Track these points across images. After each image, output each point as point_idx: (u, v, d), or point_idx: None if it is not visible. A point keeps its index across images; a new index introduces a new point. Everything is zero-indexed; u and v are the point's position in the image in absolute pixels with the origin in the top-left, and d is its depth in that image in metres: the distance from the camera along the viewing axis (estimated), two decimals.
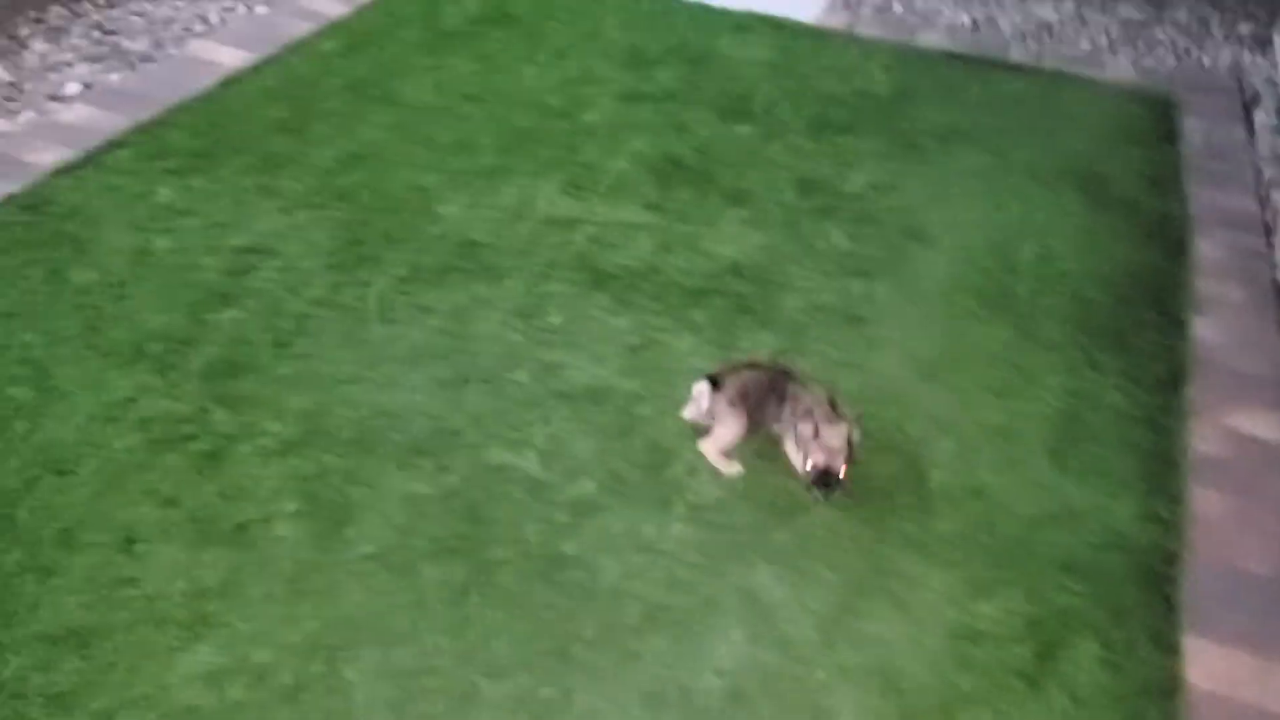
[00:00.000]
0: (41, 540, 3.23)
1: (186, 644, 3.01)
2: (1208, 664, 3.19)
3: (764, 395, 3.66)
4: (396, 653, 3.05)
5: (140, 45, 5.74)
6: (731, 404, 3.65)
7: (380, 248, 4.47)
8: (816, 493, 3.52)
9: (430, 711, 2.92)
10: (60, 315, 4.00)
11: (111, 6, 6.10)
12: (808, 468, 3.51)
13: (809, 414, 3.52)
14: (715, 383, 3.68)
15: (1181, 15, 7.32)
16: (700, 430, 3.74)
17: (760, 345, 4.17)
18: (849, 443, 3.48)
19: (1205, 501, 3.69)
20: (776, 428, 3.67)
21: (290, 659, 3.00)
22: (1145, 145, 5.70)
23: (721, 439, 3.68)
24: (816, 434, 3.47)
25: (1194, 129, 5.87)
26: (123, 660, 2.96)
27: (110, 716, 2.82)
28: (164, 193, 4.64)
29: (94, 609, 3.07)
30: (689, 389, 3.82)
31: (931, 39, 6.63)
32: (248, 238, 4.45)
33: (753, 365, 3.79)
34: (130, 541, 3.26)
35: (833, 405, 3.56)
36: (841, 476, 3.48)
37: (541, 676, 3.03)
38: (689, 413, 3.79)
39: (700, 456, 3.69)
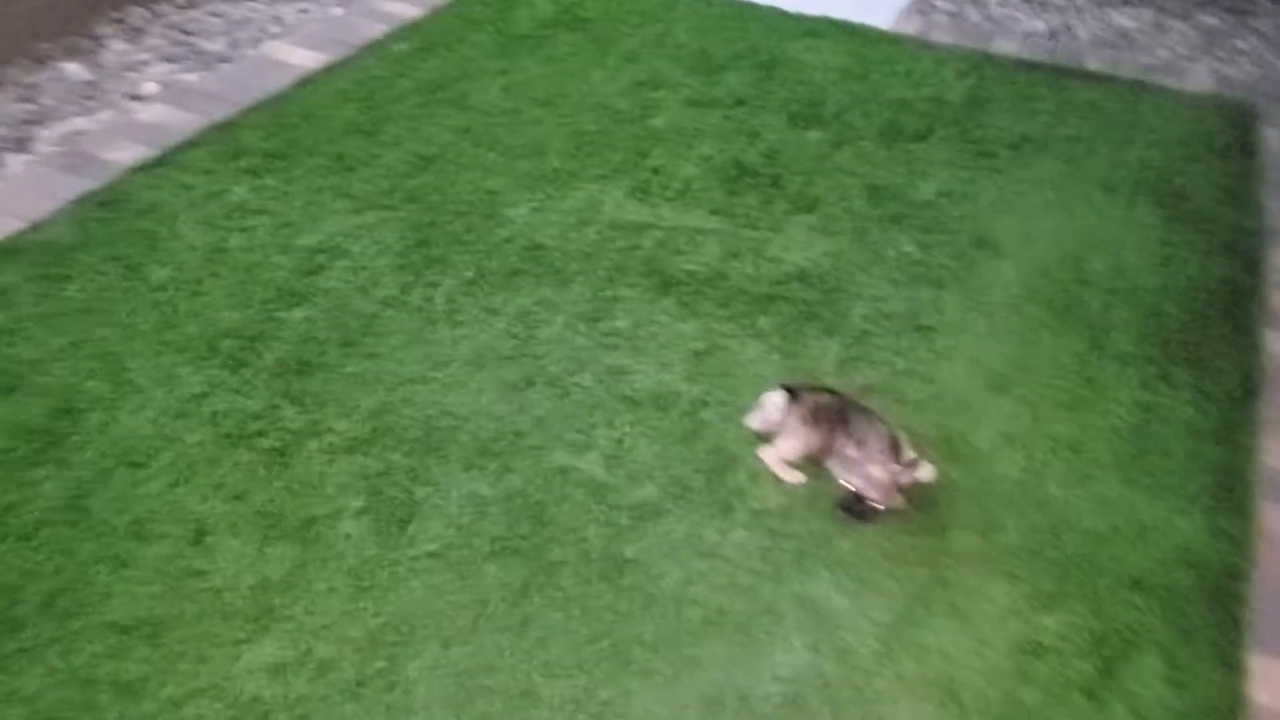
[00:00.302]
0: (114, 531, 3.31)
1: (252, 636, 3.07)
2: (1275, 684, 3.12)
3: (834, 422, 3.65)
4: (456, 651, 3.08)
5: (217, 46, 5.85)
6: (804, 420, 3.65)
7: (448, 249, 4.52)
8: (840, 514, 3.54)
9: (489, 710, 2.94)
10: (136, 311, 4.10)
11: (190, 7, 6.22)
12: (841, 486, 3.56)
13: (861, 443, 3.54)
14: (791, 394, 3.69)
15: (1264, 24, 7.15)
16: (765, 437, 3.74)
17: (826, 353, 4.15)
18: (893, 482, 3.47)
19: (1276, 518, 3.61)
20: (831, 462, 3.66)
21: (353, 654, 3.05)
22: (1223, 156, 5.58)
23: (785, 449, 3.67)
24: (859, 460, 3.52)
25: (1274, 140, 5.73)
26: (191, 650, 3.02)
27: (178, 705, 2.88)
28: (238, 192, 4.73)
29: (164, 599, 3.14)
30: (754, 395, 3.82)
31: (1006, 46, 6.54)
32: (319, 237, 4.52)
33: (829, 390, 3.79)
34: (200, 534, 3.32)
35: (894, 444, 3.53)
36: (876, 508, 3.50)
37: (600, 678, 3.04)
38: (756, 421, 3.78)
39: (762, 463, 3.68)
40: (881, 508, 3.49)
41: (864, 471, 3.50)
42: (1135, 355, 4.23)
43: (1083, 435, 3.88)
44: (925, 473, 3.50)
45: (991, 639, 3.21)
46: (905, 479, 3.48)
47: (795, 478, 3.65)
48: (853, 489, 3.53)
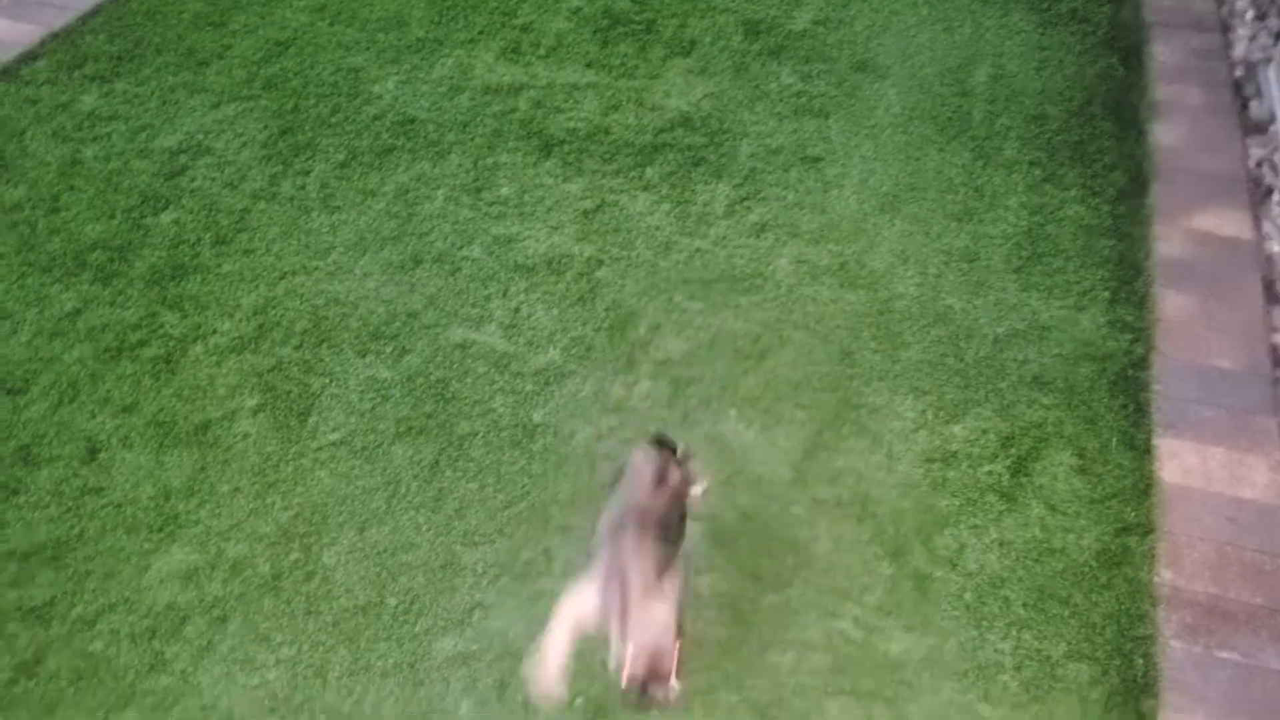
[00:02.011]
0: (1, 460, 3.18)
1: (160, 545, 2.99)
2: (1181, 461, 3.20)
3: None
4: (373, 532, 3.04)
5: None
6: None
7: (316, 134, 4.33)
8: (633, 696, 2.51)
9: (412, 585, 2.92)
10: None
11: None
12: (617, 669, 2.45)
13: (623, 574, 2.45)
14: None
15: None
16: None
17: (716, 196, 4.08)
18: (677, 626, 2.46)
19: (1172, 303, 3.66)
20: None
21: (266, 549, 2.99)
22: None
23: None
24: (625, 616, 2.40)
25: None
26: (97, 568, 2.94)
27: (90, 624, 2.82)
28: (87, 100, 4.48)
29: (63, 521, 3.04)
30: (648, 248, 3.77)
31: None
32: (178, 137, 4.31)
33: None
34: (93, 452, 3.22)
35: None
36: (672, 679, 2.50)
37: (520, 540, 3.03)
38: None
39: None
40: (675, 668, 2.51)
41: (637, 640, 2.43)
42: (1021, 160, 4.23)
43: (976, 245, 3.88)
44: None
45: (902, 453, 3.24)
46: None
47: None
48: (636, 679, 2.46)
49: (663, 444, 2.78)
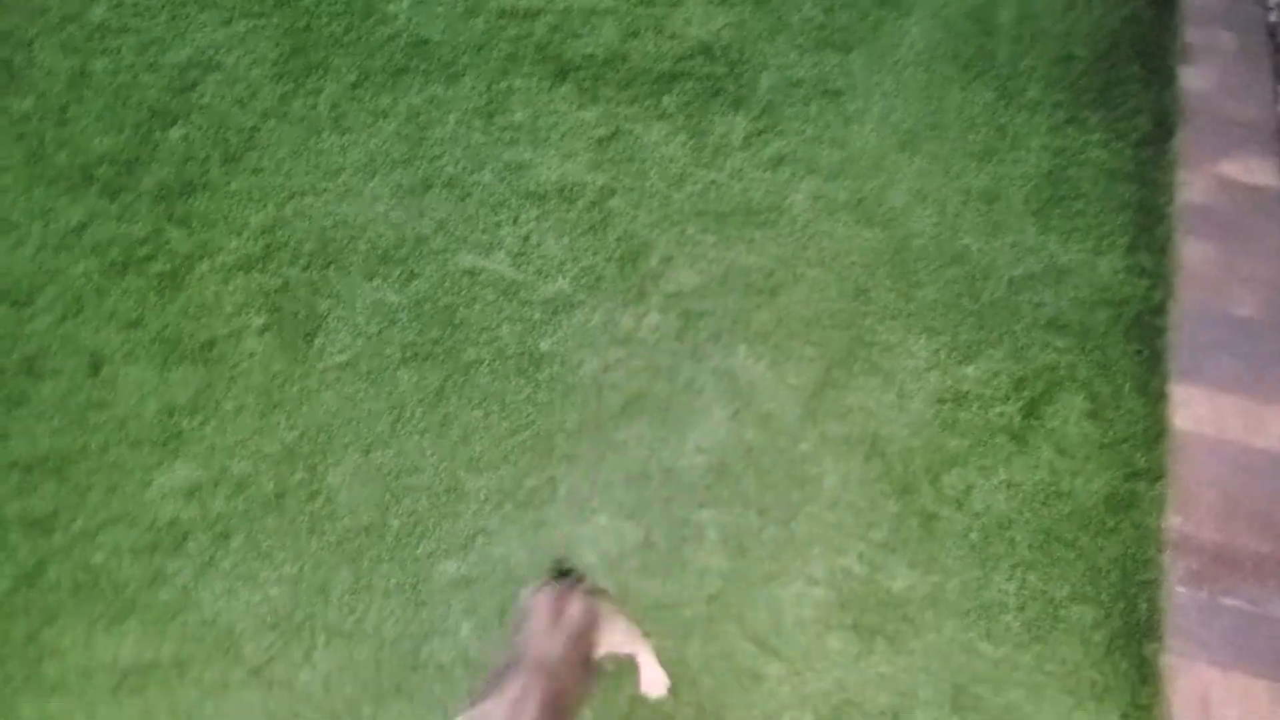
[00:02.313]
0: (4, 371, 3.17)
1: (163, 460, 2.99)
2: (1195, 409, 3.16)
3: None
4: (377, 455, 3.03)
5: None
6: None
7: (328, 53, 4.26)
8: None
9: (415, 508, 2.92)
10: (0, 145, 3.85)
11: None
12: None
13: None
14: None
15: None
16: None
17: (733, 128, 4.00)
18: None
19: (1193, 251, 3.60)
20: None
21: (270, 468, 2.99)
22: None
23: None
24: None
25: None
26: (100, 481, 2.94)
27: (92, 536, 2.82)
28: (97, 11, 4.40)
29: (66, 434, 3.04)
30: (662, 179, 3.70)
31: None
32: (189, 52, 4.23)
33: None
34: (97, 366, 3.20)
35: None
36: None
37: (525, 468, 3.01)
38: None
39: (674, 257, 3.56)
40: None
41: None
42: (1045, 101, 4.14)
43: (995, 185, 3.81)
44: None
45: (914, 392, 3.20)
46: None
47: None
48: None
49: (563, 575, 2.38)
